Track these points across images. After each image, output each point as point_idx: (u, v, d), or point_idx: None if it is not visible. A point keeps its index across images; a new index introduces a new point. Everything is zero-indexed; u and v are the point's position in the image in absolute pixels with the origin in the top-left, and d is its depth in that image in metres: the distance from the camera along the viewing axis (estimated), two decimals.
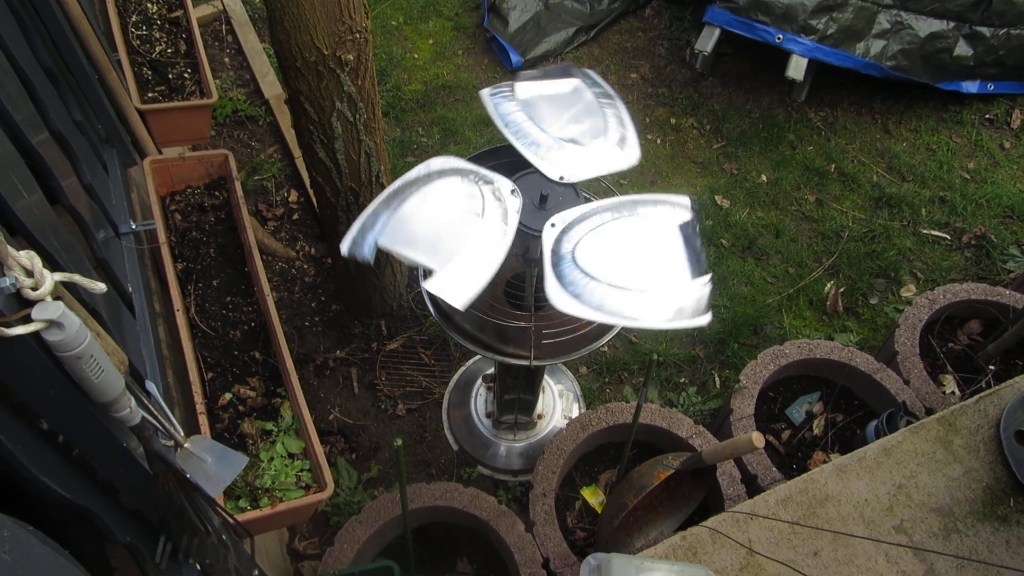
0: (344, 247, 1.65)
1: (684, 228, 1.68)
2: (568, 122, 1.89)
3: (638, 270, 1.63)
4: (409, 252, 1.63)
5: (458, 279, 1.58)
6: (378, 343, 3.32)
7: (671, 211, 1.73)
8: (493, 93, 1.94)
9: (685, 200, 1.74)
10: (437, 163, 1.77)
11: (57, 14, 2.11)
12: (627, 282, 1.60)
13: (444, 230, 1.67)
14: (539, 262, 1.66)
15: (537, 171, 1.83)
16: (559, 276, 1.61)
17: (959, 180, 3.98)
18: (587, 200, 2.05)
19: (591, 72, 2.02)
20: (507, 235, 1.66)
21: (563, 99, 1.94)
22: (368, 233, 1.66)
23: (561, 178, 1.80)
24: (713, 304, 3.44)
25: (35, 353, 0.96)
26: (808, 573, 2.00)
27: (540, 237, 1.69)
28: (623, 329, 3.13)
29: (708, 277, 1.59)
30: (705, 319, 1.55)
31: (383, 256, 2.99)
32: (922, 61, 3.95)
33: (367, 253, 1.63)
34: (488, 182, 1.74)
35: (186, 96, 2.75)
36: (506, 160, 1.89)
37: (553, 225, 1.70)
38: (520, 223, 1.77)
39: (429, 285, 1.58)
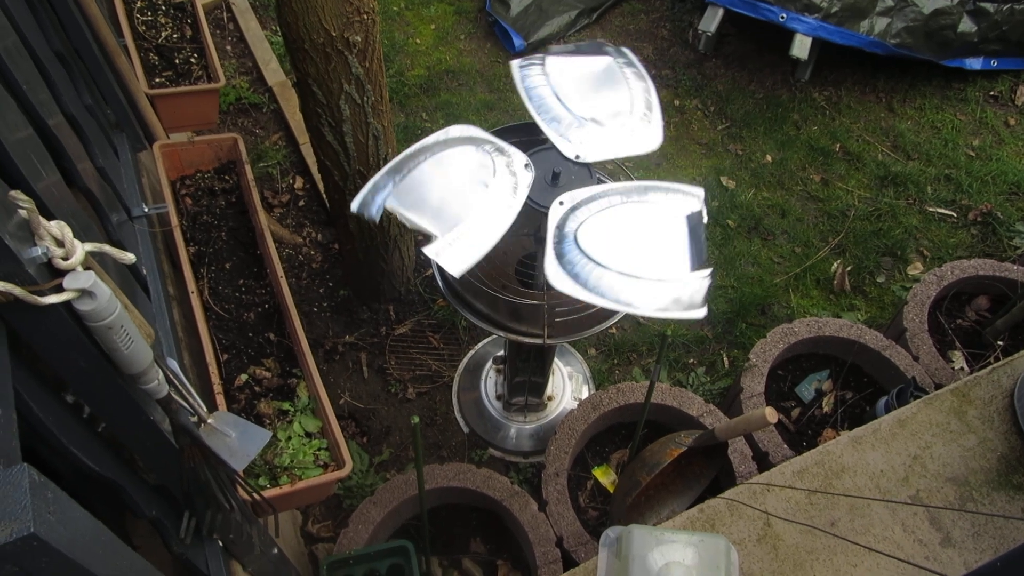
0: (354, 205, 1.67)
1: (691, 219, 1.66)
2: (593, 101, 1.87)
3: (639, 256, 1.61)
4: (414, 216, 1.65)
5: (457, 246, 1.59)
6: (387, 328, 3.33)
7: (683, 200, 1.71)
8: (522, 65, 1.93)
9: (699, 191, 1.71)
10: (456, 130, 1.78)
11: None
12: (625, 267, 1.58)
13: (451, 197, 1.68)
14: (542, 239, 1.66)
15: (553, 148, 1.82)
16: (559, 254, 1.60)
17: (964, 157, 3.98)
18: (600, 181, 2.05)
19: (626, 50, 2.00)
20: (513, 208, 1.66)
21: (592, 76, 1.92)
22: (379, 193, 1.68)
23: (577, 157, 1.80)
24: (720, 285, 3.45)
25: (66, 323, 0.96)
26: (826, 543, 2.02)
27: (548, 214, 1.69)
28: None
29: (708, 271, 1.56)
30: (701, 312, 1.52)
31: (391, 240, 3.00)
32: (926, 38, 3.94)
33: (375, 213, 1.66)
34: (503, 154, 1.74)
35: (193, 81, 2.75)
36: (525, 138, 1.89)
37: (561, 203, 1.69)
38: (530, 199, 1.78)
39: (428, 250, 1.59)
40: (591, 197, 1.70)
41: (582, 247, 1.60)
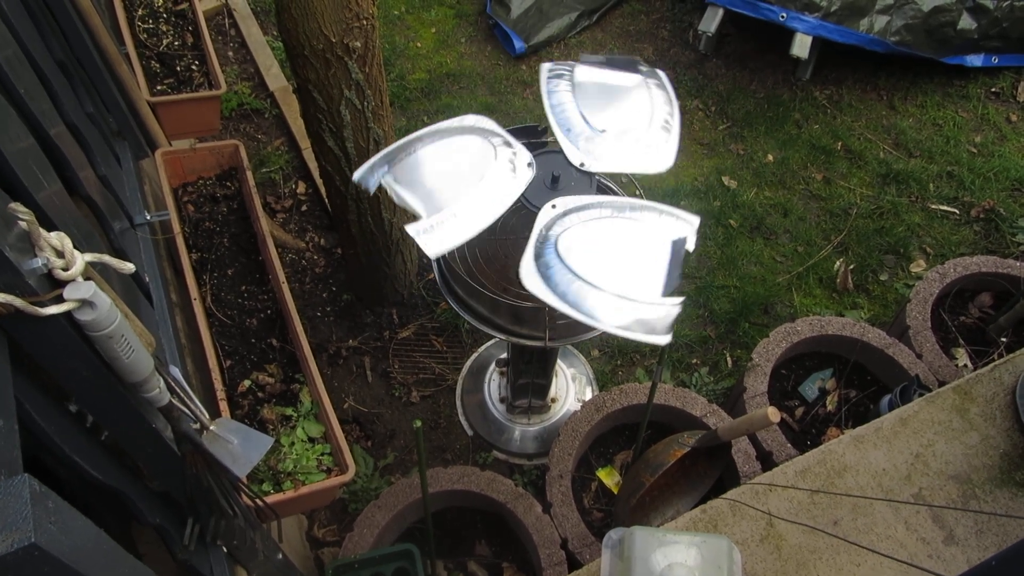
0: (356, 175, 1.73)
1: (675, 244, 1.64)
2: (611, 114, 1.86)
3: (614, 272, 1.60)
4: (405, 195, 1.69)
5: (438, 230, 1.61)
6: (390, 331, 3.34)
7: (674, 224, 1.69)
8: (551, 69, 1.94)
9: (694, 219, 1.69)
10: (470, 120, 1.81)
11: (67, 7, 2.12)
12: (597, 279, 1.57)
13: (446, 182, 1.71)
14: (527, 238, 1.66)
15: (557, 153, 1.83)
16: (537, 254, 1.61)
17: (966, 154, 3.97)
18: (604, 190, 2.05)
19: (661, 72, 1.99)
20: (504, 202, 1.67)
21: (617, 91, 1.92)
22: (380, 168, 1.73)
23: (581, 165, 1.80)
24: (722, 285, 3.46)
25: (67, 333, 0.97)
26: (829, 542, 2.02)
27: (537, 214, 1.70)
28: None
29: (679, 300, 1.54)
30: (664, 339, 1.51)
31: (393, 244, 3.01)
32: (926, 36, 3.94)
33: (371, 186, 1.72)
34: (509, 149, 1.75)
35: (195, 88, 2.76)
36: (525, 140, 1.90)
37: (554, 206, 1.70)
38: (527, 200, 1.78)
39: (411, 228, 1.61)
40: (584, 206, 1.70)
41: (560, 252, 1.61)
